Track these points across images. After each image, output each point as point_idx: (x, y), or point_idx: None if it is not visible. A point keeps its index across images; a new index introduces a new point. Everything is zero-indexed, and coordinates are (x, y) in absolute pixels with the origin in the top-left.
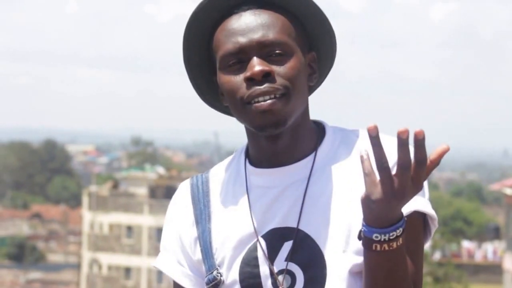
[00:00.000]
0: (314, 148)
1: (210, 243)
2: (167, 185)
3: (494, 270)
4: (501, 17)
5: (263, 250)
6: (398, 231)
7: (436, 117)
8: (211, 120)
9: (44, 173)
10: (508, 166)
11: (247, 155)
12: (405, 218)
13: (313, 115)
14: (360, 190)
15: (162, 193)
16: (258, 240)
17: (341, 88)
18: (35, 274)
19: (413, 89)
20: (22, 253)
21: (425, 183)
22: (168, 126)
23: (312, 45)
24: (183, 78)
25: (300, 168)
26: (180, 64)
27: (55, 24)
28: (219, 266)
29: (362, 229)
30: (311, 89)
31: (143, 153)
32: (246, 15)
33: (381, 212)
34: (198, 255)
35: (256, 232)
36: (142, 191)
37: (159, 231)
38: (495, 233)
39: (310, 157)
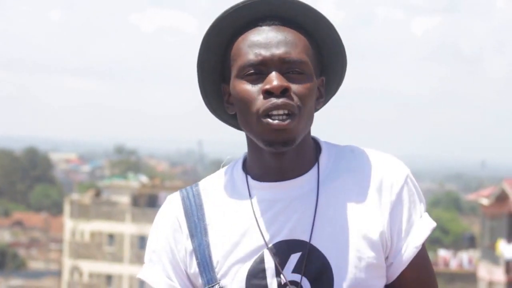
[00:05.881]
0: (314, 162)
1: (210, 256)
2: (149, 193)
3: (469, 278)
4: (482, 32)
5: (270, 262)
6: None
7: (417, 130)
8: (195, 129)
9: (26, 181)
10: (485, 177)
11: (245, 169)
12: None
13: None
14: (363, 203)
15: (145, 201)
16: (265, 252)
17: None
18: (16, 281)
19: (394, 102)
20: (3, 260)
21: (422, 197)
22: (152, 135)
23: (323, 70)
24: (167, 87)
25: (305, 181)
26: (164, 73)
27: (38, 32)
28: (220, 279)
29: None
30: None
31: (126, 162)
32: (270, 29)
33: None
34: (194, 268)
35: (264, 244)
36: (124, 199)
37: (141, 239)
38: (471, 242)
39: (313, 171)
